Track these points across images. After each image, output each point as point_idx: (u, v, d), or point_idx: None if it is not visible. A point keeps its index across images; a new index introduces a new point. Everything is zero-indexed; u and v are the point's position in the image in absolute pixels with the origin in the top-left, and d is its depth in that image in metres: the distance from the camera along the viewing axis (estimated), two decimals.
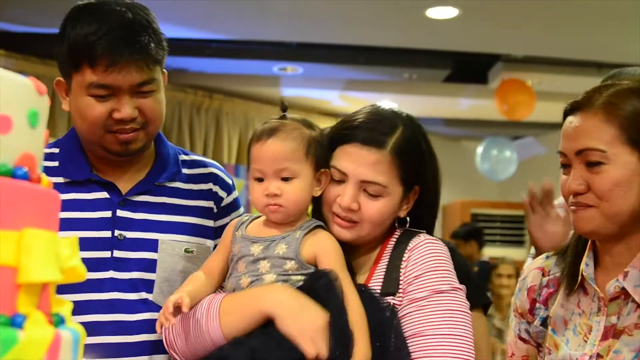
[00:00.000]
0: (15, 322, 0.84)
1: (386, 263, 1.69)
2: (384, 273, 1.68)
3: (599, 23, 5.15)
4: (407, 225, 1.75)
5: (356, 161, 1.67)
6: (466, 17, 5.14)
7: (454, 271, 1.66)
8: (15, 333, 0.82)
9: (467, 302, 1.65)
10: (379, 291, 1.65)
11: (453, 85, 6.64)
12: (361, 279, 1.70)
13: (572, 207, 1.59)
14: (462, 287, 1.66)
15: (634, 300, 1.55)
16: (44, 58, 5.78)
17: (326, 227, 1.70)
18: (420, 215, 1.76)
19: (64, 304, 0.97)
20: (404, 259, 1.66)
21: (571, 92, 1.69)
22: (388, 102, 7.46)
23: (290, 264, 1.62)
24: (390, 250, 1.70)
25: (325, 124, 2.75)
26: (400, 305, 1.62)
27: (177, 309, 1.56)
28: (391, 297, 1.63)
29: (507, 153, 7.48)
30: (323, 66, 6.33)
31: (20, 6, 5.08)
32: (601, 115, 1.54)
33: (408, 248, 1.67)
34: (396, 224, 1.75)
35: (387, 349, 1.56)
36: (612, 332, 1.57)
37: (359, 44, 5.93)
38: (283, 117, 1.72)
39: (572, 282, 1.66)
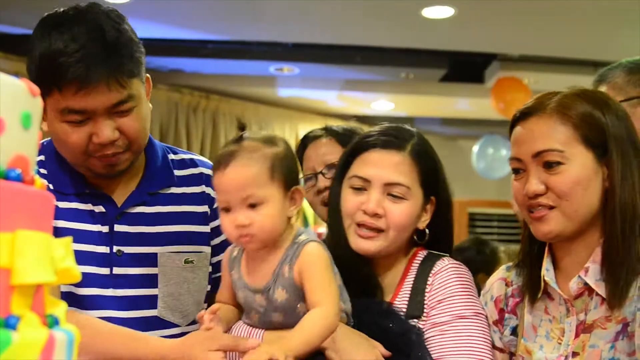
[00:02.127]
0: (9, 323, 0.84)
1: (410, 285, 1.68)
2: (408, 295, 1.67)
3: (595, 22, 5.15)
4: (426, 237, 1.73)
5: (378, 165, 1.68)
6: (462, 17, 5.14)
7: (477, 296, 1.68)
8: (9, 334, 0.82)
9: (488, 326, 1.67)
10: (403, 313, 1.64)
11: (450, 84, 6.65)
12: (385, 299, 1.70)
13: (531, 211, 1.60)
14: (485, 312, 1.68)
15: (598, 294, 1.58)
16: None
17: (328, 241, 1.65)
18: (437, 232, 1.76)
19: (58, 305, 0.97)
20: (428, 282, 1.66)
21: None
22: (385, 102, 7.48)
23: (300, 306, 1.53)
24: (415, 272, 1.70)
25: (322, 124, 2.75)
26: (423, 328, 1.63)
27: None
28: (416, 320, 1.63)
29: (503, 152, 7.48)
30: (319, 66, 6.33)
31: (17, 8, 5.07)
32: (555, 117, 1.58)
33: (432, 272, 1.67)
34: (415, 237, 1.73)
35: None
36: (582, 328, 1.59)
37: (355, 44, 5.93)
38: (241, 138, 1.57)
39: (535, 291, 1.67)
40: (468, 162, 7.92)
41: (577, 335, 1.60)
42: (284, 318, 1.55)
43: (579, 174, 1.56)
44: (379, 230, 1.66)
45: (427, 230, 1.73)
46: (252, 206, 1.51)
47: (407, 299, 1.67)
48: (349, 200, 1.69)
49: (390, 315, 1.61)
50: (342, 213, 1.70)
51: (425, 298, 1.64)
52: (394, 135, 1.71)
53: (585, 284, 1.59)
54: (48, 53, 1.59)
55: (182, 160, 1.93)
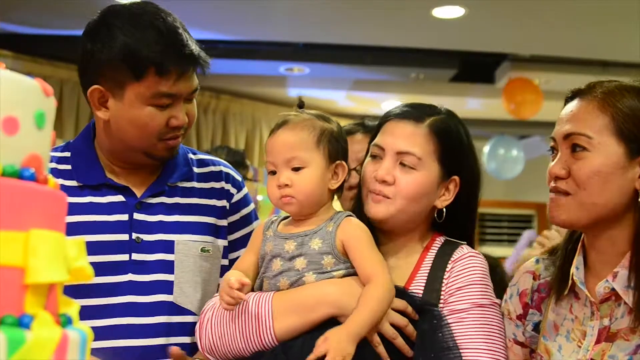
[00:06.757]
0: (23, 322, 0.84)
1: (427, 271, 1.68)
2: (424, 281, 1.67)
3: (605, 22, 5.13)
4: (444, 215, 1.73)
5: (393, 134, 1.70)
6: (473, 17, 5.13)
7: (492, 286, 1.69)
8: (23, 333, 0.82)
9: (502, 316, 1.69)
10: (419, 299, 1.64)
11: (460, 84, 6.63)
12: (399, 284, 1.67)
13: (550, 194, 1.57)
14: (499, 301, 1.70)
15: (625, 303, 1.52)
16: (51, 59, 5.80)
17: (359, 214, 1.68)
18: (457, 216, 1.75)
19: (71, 305, 0.98)
20: (447, 269, 1.66)
21: None
22: (394, 102, 7.46)
23: (327, 259, 1.60)
24: (432, 259, 1.70)
25: None
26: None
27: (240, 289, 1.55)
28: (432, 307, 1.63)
29: (514, 152, 7.46)
30: (329, 66, 6.33)
31: (28, 8, 5.09)
32: (596, 104, 1.54)
33: (452, 259, 1.67)
34: (435, 215, 1.73)
35: (429, 353, 1.56)
36: (605, 335, 1.54)
37: (365, 44, 5.93)
38: (297, 110, 1.72)
39: (562, 286, 1.63)
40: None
41: (598, 342, 1.54)
42: (307, 264, 1.59)
43: (601, 164, 1.50)
44: (389, 197, 1.67)
45: (444, 210, 1.72)
46: (296, 170, 1.63)
47: (423, 285, 1.67)
48: (367, 169, 1.73)
49: (405, 298, 1.60)
50: (361, 181, 1.74)
51: (443, 285, 1.65)
52: (416, 108, 1.74)
53: (613, 289, 1.53)
54: (146, 42, 1.71)
55: (202, 160, 2.02)
